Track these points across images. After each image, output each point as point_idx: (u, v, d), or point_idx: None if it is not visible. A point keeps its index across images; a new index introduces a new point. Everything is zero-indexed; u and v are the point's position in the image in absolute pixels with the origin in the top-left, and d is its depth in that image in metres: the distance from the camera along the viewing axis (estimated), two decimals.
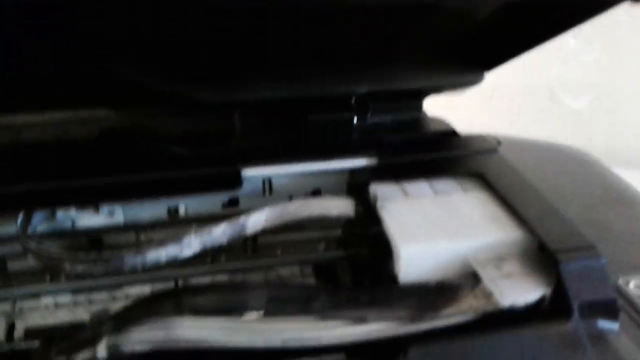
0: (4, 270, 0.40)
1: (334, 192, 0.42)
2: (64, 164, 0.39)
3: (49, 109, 0.42)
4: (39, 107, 0.42)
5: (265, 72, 0.41)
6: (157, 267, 0.37)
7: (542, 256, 0.31)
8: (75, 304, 0.42)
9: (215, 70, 0.38)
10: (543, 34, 0.36)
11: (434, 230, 0.33)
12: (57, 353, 0.29)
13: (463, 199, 0.36)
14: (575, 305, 0.29)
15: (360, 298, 0.31)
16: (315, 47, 0.40)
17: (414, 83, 0.44)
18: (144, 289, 0.42)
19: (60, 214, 0.40)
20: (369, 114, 0.49)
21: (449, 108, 0.54)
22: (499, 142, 0.55)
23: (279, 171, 0.41)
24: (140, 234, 0.42)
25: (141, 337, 0.29)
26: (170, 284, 0.41)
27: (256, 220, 0.38)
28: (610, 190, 0.46)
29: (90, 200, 0.37)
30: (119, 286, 0.42)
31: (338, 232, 0.45)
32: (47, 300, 0.41)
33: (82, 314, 0.41)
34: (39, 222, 0.39)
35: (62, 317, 0.41)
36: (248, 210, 0.38)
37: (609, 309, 0.30)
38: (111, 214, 0.41)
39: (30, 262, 0.37)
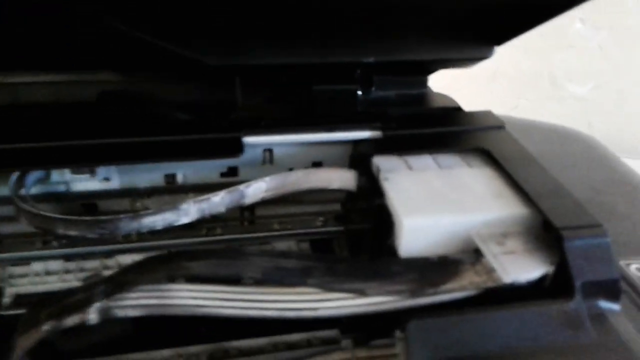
0: None
1: (336, 164, 0.42)
2: (61, 125, 0.38)
3: (48, 69, 0.41)
4: (37, 67, 0.41)
5: (270, 39, 0.40)
6: (153, 234, 0.36)
7: (546, 234, 0.31)
8: (66, 271, 0.41)
9: (219, 33, 0.37)
10: (557, 4, 0.35)
11: (437, 204, 0.32)
12: (46, 317, 0.28)
13: (468, 174, 0.35)
14: (578, 284, 0.28)
15: (360, 271, 0.30)
16: (321, 15, 0.38)
17: (422, 55, 0.42)
18: (137, 258, 0.41)
19: (55, 176, 0.39)
20: (373, 88, 0.49)
21: (449, 91, 0.53)
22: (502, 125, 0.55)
23: (281, 140, 0.40)
24: (137, 201, 0.41)
25: (134, 302, 0.28)
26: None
27: (256, 190, 0.37)
28: (615, 174, 0.45)
29: (86, 161, 0.36)
30: (111, 254, 0.42)
31: (337, 207, 0.45)
32: (37, 266, 0.41)
33: (73, 282, 0.41)
34: (33, 184, 0.38)
35: (53, 284, 0.40)
36: (247, 180, 0.37)
37: (612, 289, 0.30)
38: (107, 179, 0.40)
39: (22, 225, 0.36)
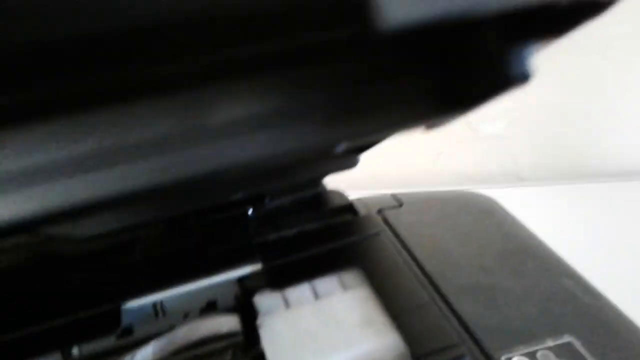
0: None
1: (231, 300, 0.42)
2: None
3: None
4: None
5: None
6: None
7: None
8: None
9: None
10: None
11: (306, 348, 0.32)
12: None
13: (341, 301, 0.36)
14: None
15: None
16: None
17: (309, 176, 0.44)
18: None
19: None
20: (266, 201, 0.50)
21: (373, 154, 0.54)
22: (400, 204, 0.56)
23: (163, 296, 0.40)
24: None
25: None
26: None
27: (144, 357, 0.37)
28: (508, 244, 0.46)
29: None
30: None
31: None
32: None
33: None
34: None
35: None
36: (145, 337, 0.37)
37: None
38: None
39: None
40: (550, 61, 0.86)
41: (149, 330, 0.40)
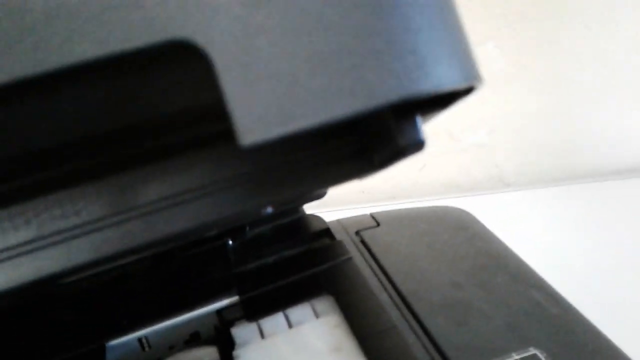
0: None
1: (212, 331, 0.43)
2: None
3: None
4: None
5: None
6: None
7: None
8: None
9: None
10: None
11: None
12: None
13: (312, 329, 0.37)
14: None
15: None
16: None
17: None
18: None
19: None
20: (247, 230, 0.51)
21: None
22: (378, 223, 0.57)
23: (146, 332, 0.42)
24: None
25: None
26: None
27: None
28: (481, 258, 0.48)
29: None
30: None
31: None
32: None
33: None
34: None
35: None
36: None
37: None
38: None
39: None
40: (526, 69, 0.88)
41: None
